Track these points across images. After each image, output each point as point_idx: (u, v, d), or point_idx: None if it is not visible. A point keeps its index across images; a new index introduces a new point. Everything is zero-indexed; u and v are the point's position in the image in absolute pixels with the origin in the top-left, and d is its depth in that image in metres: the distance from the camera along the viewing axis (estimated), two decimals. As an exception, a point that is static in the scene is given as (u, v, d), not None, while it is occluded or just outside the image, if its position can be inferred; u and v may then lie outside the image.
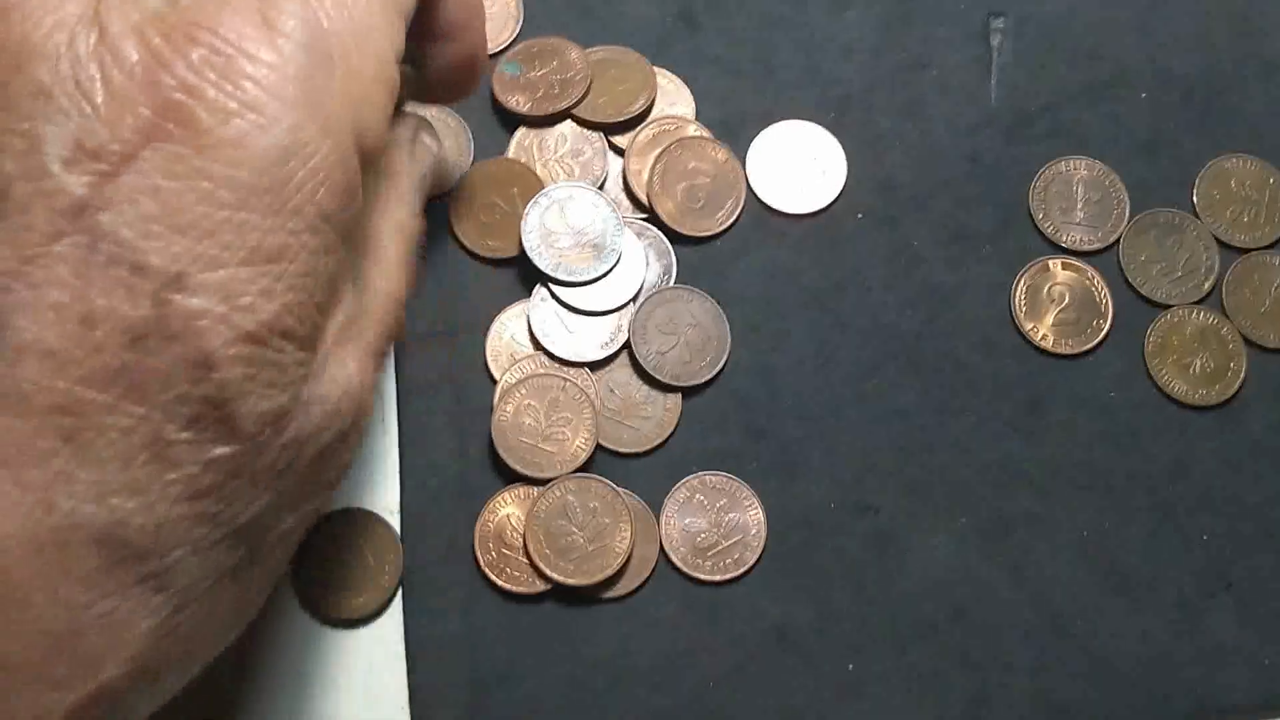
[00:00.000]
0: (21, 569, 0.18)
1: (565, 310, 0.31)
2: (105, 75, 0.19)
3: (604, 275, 0.31)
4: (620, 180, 0.33)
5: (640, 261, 0.31)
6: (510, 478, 0.30)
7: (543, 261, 0.31)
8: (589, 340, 0.31)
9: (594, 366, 0.31)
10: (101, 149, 0.18)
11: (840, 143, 0.33)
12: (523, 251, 0.31)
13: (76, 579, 0.19)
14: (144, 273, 0.18)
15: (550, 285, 0.31)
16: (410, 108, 0.28)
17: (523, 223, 0.31)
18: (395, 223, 0.25)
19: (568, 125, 0.33)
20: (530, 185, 0.32)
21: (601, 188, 0.32)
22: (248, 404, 0.19)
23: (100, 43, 0.19)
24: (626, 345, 0.31)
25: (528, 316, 0.31)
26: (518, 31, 0.33)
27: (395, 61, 0.23)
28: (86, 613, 0.19)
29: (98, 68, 0.19)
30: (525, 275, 0.31)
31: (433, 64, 0.26)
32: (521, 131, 0.33)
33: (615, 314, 0.31)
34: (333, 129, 0.20)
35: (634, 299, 0.31)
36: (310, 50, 0.20)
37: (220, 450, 0.19)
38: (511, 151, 0.32)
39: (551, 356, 0.31)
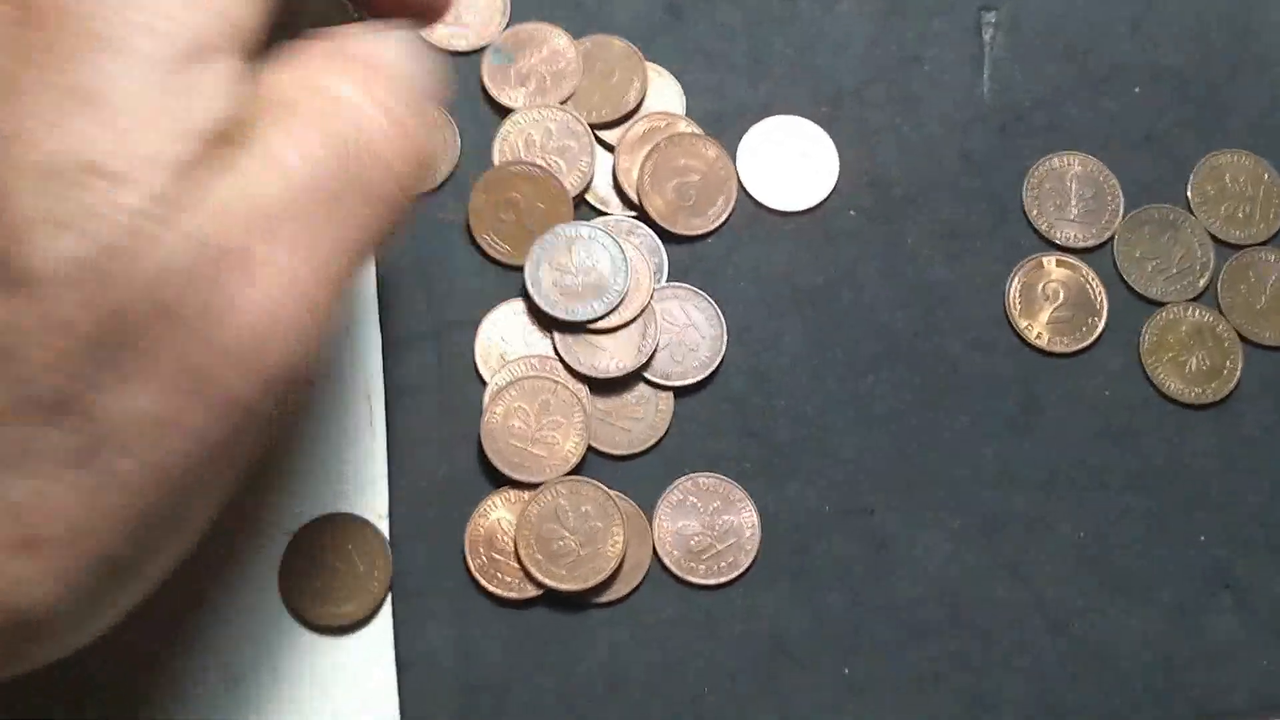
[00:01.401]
0: None
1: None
2: None
3: (603, 317, 0.30)
4: (610, 177, 0.32)
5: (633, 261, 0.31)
6: (500, 481, 0.29)
7: (546, 304, 0.30)
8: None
9: (585, 367, 0.30)
10: None
11: (832, 138, 0.33)
12: (524, 287, 0.30)
13: None
14: None
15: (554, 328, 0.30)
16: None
17: (527, 261, 0.30)
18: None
19: (555, 120, 0.32)
20: (551, 193, 0.31)
21: (589, 186, 0.32)
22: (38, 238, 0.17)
23: None
24: (618, 346, 0.30)
25: (528, 295, 0.30)
26: (505, 25, 0.33)
27: None
28: None
29: None
30: (518, 281, 0.31)
31: None
32: (508, 125, 0.32)
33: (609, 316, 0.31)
34: None
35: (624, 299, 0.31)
36: None
37: None
38: (497, 145, 0.32)
39: (544, 360, 0.30)
